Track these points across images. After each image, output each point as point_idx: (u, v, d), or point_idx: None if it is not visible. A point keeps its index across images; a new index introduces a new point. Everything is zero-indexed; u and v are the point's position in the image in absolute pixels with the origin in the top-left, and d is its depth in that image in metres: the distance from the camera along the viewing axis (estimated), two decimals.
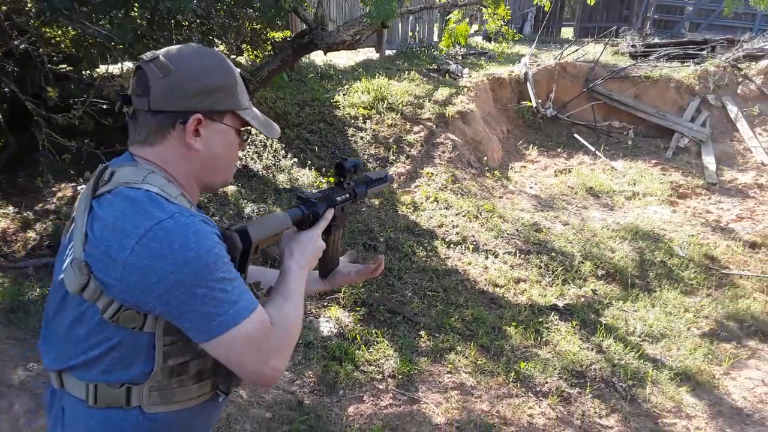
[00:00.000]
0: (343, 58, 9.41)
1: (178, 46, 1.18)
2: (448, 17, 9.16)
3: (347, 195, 1.53)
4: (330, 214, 1.42)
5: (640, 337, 3.85)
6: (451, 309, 4.03)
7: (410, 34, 11.22)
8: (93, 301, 1.06)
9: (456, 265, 4.60)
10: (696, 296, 4.48)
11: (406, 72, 8.48)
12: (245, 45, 6.43)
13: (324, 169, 5.76)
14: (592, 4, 8.50)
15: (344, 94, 7.29)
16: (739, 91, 8.91)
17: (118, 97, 4.13)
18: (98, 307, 1.06)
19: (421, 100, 7.52)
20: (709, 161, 7.75)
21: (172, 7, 3.77)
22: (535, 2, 7.48)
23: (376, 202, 5.44)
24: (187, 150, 1.16)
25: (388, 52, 10.12)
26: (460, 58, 10.53)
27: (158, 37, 4.20)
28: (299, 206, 1.38)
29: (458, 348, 3.57)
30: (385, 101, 7.18)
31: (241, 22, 6.02)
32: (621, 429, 3.04)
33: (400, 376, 3.31)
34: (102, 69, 5.43)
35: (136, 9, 4.13)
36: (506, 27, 7.25)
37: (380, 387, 3.24)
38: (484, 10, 8.38)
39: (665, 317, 4.07)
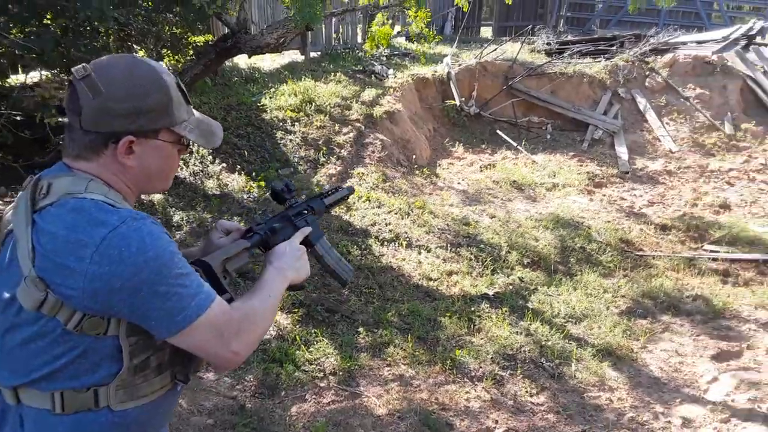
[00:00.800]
0: (267, 61, 9.37)
1: (111, 59, 1.19)
2: (372, 20, 9.31)
3: (304, 210, 1.60)
4: (307, 230, 1.51)
5: (564, 318, 4.10)
6: (387, 304, 4.15)
7: (334, 35, 11.28)
8: (53, 314, 1.08)
9: (390, 262, 4.72)
10: (613, 278, 4.79)
11: (332, 74, 8.55)
12: (165, 50, 6.32)
13: (254, 174, 5.75)
14: (510, 3, 8.87)
15: (271, 97, 7.29)
16: (647, 84, 9.52)
17: (39, 108, 4.00)
18: (59, 319, 1.08)
19: (348, 102, 7.61)
20: (622, 151, 8.24)
21: (92, 15, 3.69)
22: (456, 2, 7.71)
23: None
24: (120, 166, 1.19)
25: (312, 54, 10.15)
26: (384, 59, 10.69)
27: (77, 45, 4.09)
28: (255, 233, 1.45)
29: (396, 341, 3.69)
30: (313, 103, 7.22)
31: (161, 27, 5.93)
32: (551, 405, 3.24)
33: (341, 373, 3.39)
34: (14, 79, 5.21)
35: (51, 18, 4.01)
36: (427, 29, 7.44)
37: (322, 385, 3.31)
38: (407, 11, 8.59)
39: (586, 299, 4.35)
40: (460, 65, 9.58)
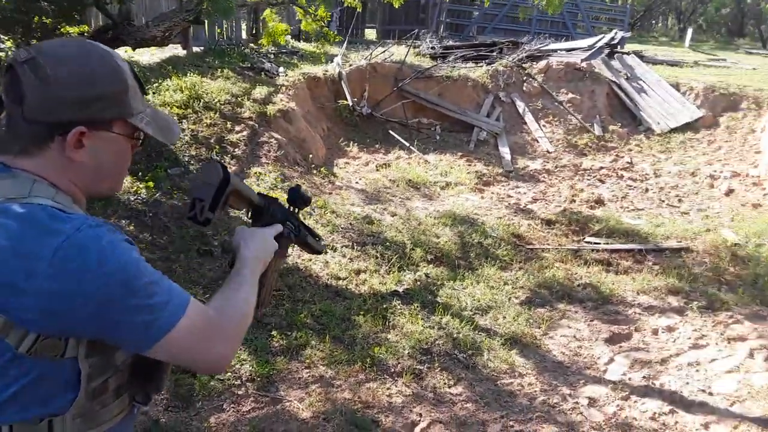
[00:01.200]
0: (146, 55, 8.83)
1: (60, 42, 1.05)
2: (261, 16, 9.09)
3: (294, 225, 1.51)
4: (280, 228, 1.40)
5: (471, 311, 4.24)
6: (299, 306, 4.06)
7: (218, 31, 10.90)
8: (2, 338, 0.93)
9: (297, 263, 4.63)
10: (511, 270, 5.04)
11: (219, 70, 8.23)
12: (36, 41, 5.76)
13: (140, 173, 5.38)
14: (397, 6, 9.04)
15: (154, 93, 6.87)
16: (524, 88, 10.13)
17: None
18: (8, 342, 0.93)
19: (239, 99, 7.36)
20: (505, 151, 8.71)
21: None
22: (346, 3, 7.74)
23: None
24: (69, 162, 1.04)
25: (195, 49, 9.71)
26: (272, 56, 10.50)
27: None
28: (264, 198, 1.37)
29: (312, 343, 3.62)
30: (201, 100, 6.90)
31: (31, 15, 5.38)
32: (468, 395, 3.34)
33: (258, 379, 3.26)
34: None
35: None
36: (327, 29, 7.40)
37: (240, 392, 3.17)
38: (296, 9, 8.49)
39: (489, 291, 4.53)
40: (350, 66, 9.63)
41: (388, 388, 3.32)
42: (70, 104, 1.00)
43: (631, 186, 7.88)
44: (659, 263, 5.32)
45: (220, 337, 1.07)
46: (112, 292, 0.94)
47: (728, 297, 4.55)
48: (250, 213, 1.41)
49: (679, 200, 7.41)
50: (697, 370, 3.64)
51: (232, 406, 3.06)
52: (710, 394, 3.40)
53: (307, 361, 3.47)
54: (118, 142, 1.09)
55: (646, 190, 7.76)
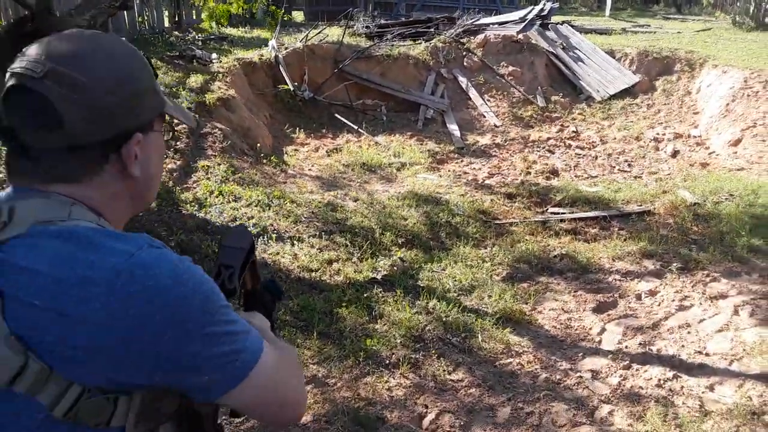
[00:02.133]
0: None
1: (62, 39, 0.81)
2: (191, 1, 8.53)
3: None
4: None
5: (456, 292, 4.08)
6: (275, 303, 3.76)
7: (139, 20, 10.21)
8: (33, 393, 0.69)
9: (264, 258, 4.32)
10: (485, 247, 4.91)
11: (146, 60, 7.67)
12: None
13: None
14: None
15: None
16: (465, 64, 10.03)
17: None
18: (42, 402, 0.69)
19: (174, 89, 6.88)
20: (454, 128, 8.59)
21: None
22: None
23: (153, 204, 4.82)
24: (122, 182, 0.85)
25: None
26: (200, 43, 9.94)
27: None
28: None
29: (298, 341, 3.36)
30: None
31: None
32: (470, 379, 3.18)
33: None
34: None
35: None
36: (273, 6, 6.99)
37: None
38: None
39: (469, 270, 4.38)
40: (287, 49, 9.22)
41: (386, 381, 3.11)
42: (119, 110, 0.81)
43: (580, 154, 7.93)
44: (625, 228, 5.33)
45: (297, 373, 0.91)
46: (190, 320, 0.73)
47: (701, 256, 4.59)
48: (241, 295, 1.20)
49: (629, 165, 7.52)
50: (689, 332, 3.62)
51: (224, 418, 2.76)
52: (707, 354, 3.38)
53: None
54: (159, 139, 0.93)
55: (596, 157, 7.84)
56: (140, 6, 10.11)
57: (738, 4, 16.08)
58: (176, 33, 10.55)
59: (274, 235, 4.59)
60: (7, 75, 0.79)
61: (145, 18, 10.37)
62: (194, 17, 11.85)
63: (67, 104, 0.76)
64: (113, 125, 0.81)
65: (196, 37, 10.45)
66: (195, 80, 7.30)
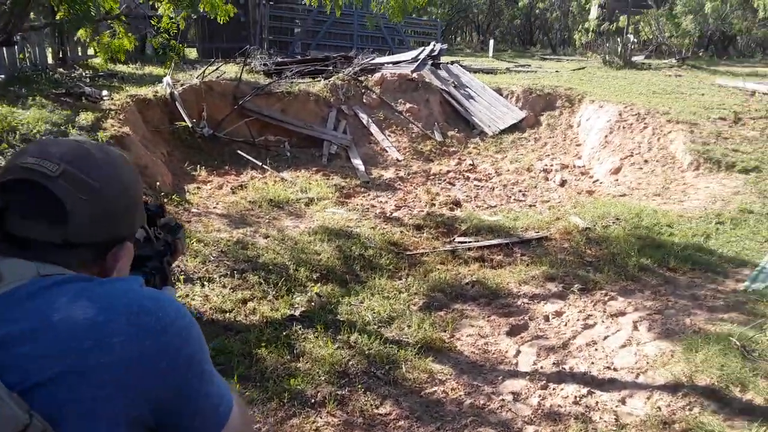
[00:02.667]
0: None
1: (70, 144, 0.87)
2: (77, 36, 8.10)
3: (163, 247, 1.24)
4: (169, 267, 1.21)
5: (376, 324, 4.08)
6: None
7: (20, 56, 9.55)
8: None
9: None
10: (400, 278, 4.97)
11: (30, 98, 7.21)
12: None
13: None
14: (222, 23, 8.59)
15: None
16: (364, 101, 10.26)
17: None
18: None
19: (62, 128, 6.48)
20: (358, 163, 8.71)
21: None
22: (162, 25, 7.11)
23: None
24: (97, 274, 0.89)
25: None
26: (88, 80, 9.45)
27: None
28: (139, 268, 1.09)
29: None
30: (17, 132, 5.97)
31: None
32: (398, 412, 3.17)
33: None
34: None
35: None
36: (174, 41, 6.78)
37: None
38: (116, 26, 7.71)
39: (387, 302, 4.41)
40: (183, 85, 8.98)
41: (314, 422, 3.03)
42: (121, 218, 0.88)
43: (478, 186, 8.30)
44: (527, 253, 5.61)
45: (251, 419, 0.93)
46: (194, 352, 0.79)
47: (598, 277, 4.92)
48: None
49: (523, 194, 7.96)
50: (596, 349, 3.84)
51: None
52: (615, 369, 3.60)
53: None
54: (132, 248, 0.95)
55: (493, 188, 8.24)
56: (21, 42, 9.47)
57: (608, 45, 17.72)
58: (61, 70, 9.97)
59: (182, 277, 4.39)
60: (9, 166, 0.81)
61: (27, 54, 9.72)
62: (80, 53, 11.28)
63: (77, 205, 0.80)
64: (112, 230, 0.86)
65: (83, 73, 9.94)
66: (85, 118, 6.92)
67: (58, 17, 7.61)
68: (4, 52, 8.68)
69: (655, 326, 4.02)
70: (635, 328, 4.04)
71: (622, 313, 4.28)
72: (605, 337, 3.97)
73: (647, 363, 3.59)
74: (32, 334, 0.71)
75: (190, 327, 0.80)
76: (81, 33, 8.23)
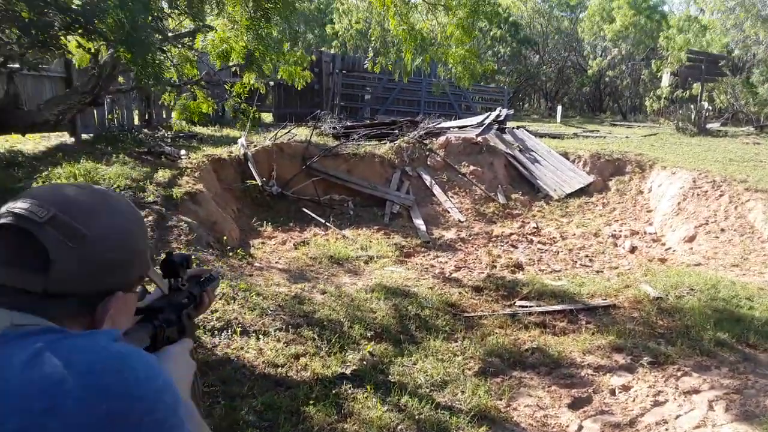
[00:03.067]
0: (29, 144, 8.12)
1: (67, 187, 0.82)
2: (161, 101, 8.71)
3: (186, 299, 1.21)
4: (190, 342, 1.13)
5: (428, 388, 3.95)
6: (237, 402, 3.57)
7: (108, 117, 10.32)
8: None
9: (227, 353, 4.14)
10: (456, 341, 4.83)
11: (114, 155, 7.70)
12: None
13: None
14: (299, 88, 9.01)
15: (44, 181, 6.22)
16: (428, 163, 10.35)
17: None
18: None
19: (141, 183, 6.86)
20: (420, 223, 8.71)
21: None
22: (236, 90, 7.54)
23: None
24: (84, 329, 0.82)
25: (84, 136, 9.09)
26: (169, 140, 10.05)
27: None
28: (147, 319, 1.05)
29: None
30: (100, 186, 6.34)
31: None
32: None
33: None
34: None
35: None
36: (246, 104, 7.18)
37: None
38: (197, 92, 8.22)
39: (441, 365, 4.28)
40: (255, 147, 9.39)
41: None
42: (112, 269, 0.80)
43: (542, 249, 8.09)
44: (593, 321, 5.35)
45: None
46: (163, 418, 0.69)
47: (670, 350, 4.61)
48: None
49: (590, 260, 7.68)
50: (666, 429, 3.55)
51: None
52: None
53: None
54: (133, 300, 0.91)
55: (557, 252, 8.00)
56: (110, 104, 10.25)
57: (680, 111, 17.31)
58: (146, 131, 10.67)
59: (238, 329, 4.43)
60: (2, 211, 0.78)
61: (115, 116, 10.49)
62: (164, 116, 12.05)
63: (62, 253, 0.74)
64: (101, 282, 0.79)
65: (166, 134, 10.59)
66: (162, 175, 7.30)
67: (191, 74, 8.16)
68: (95, 112, 9.39)
69: (733, 407, 3.68)
70: (711, 407, 3.71)
71: (697, 391, 3.96)
72: (677, 416, 3.67)
73: None
74: None
75: (162, 391, 0.70)
76: (165, 97, 8.85)
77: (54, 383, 0.64)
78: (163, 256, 1.17)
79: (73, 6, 3.65)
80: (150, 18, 3.97)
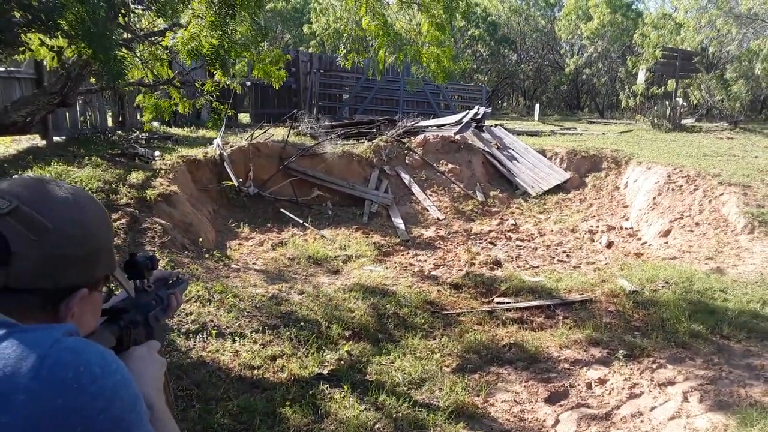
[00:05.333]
0: None
1: (34, 180, 0.80)
2: (136, 102, 8.58)
3: (153, 301, 1.18)
4: (157, 344, 1.10)
5: (405, 386, 3.93)
6: (212, 405, 3.51)
7: (81, 119, 10.15)
8: None
9: (202, 356, 4.08)
10: (434, 338, 4.82)
11: (86, 158, 7.57)
12: None
13: None
14: (277, 87, 8.95)
15: None
16: (407, 161, 10.35)
17: None
18: None
19: (113, 186, 6.75)
20: (398, 222, 8.70)
21: None
22: (206, 89, 7.45)
23: None
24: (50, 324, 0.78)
25: (57, 139, 8.92)
26: (144, 142, 9.91)
27: None
28: (112, 321, 1.01)
29: None
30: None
31: None
32: None
33: None
34: None
35: None
36: (218, 103, 7.10)
37: None
38: (171, 91, 8.12)
39: (419, 362, 4.26)
40: (232, 147, 9.30)
41: None
42: (75, 264, 0.78)
43: (520, 246, 8.13)
44: (569, 316, 5.38)
45: None
46: (119, 415, 0.67)
47: (645, 343, 4.64)
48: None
49: (567, 256, 7.73)
50: (642, 421, 3.58)
51: None
52: None
53: None
54: (99, 300, 0.89)
55: (535, 248, 8.04)
56: (83, 106, 10.08)
57: (656, 108, 17.54)
58: (120, 132, 10.51)
59: (214, 331, 4.37)
60: None
61: (88, 117, 10.32)
62: (138, 118, 11.88)
63: (23, 245, 0.72)
64: (64, 277, 0.77)
65: (140, 136, 10.44)
66: (136, 176, 7.19)
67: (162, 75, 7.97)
68: (66, 114, 9.22)
69: (707, 397, 3.72)
70: (685, 399, 3.75)
71: (672, 383, 4.00)
72: (652, 408, 3.70)
73: None
74: None
75: (119, 386, 0.68)
76: (139, 98, 8.73)
77: (5, 378, 0.62)
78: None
79: (33, 3, 3.57)
80: (113, 13, 3.89)
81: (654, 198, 9.03)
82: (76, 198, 0.81)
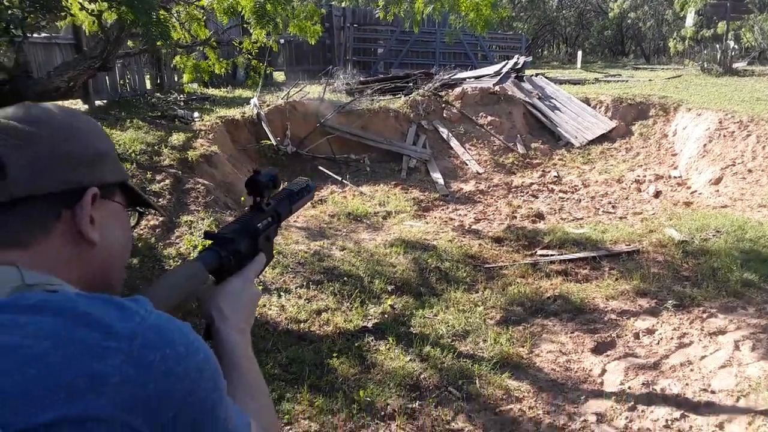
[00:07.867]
0: None
1: (23, 107, 0.74)
2: (172, 63, 8.63)
3: (269, 218, 1.13)
4: (263, 256, 1.05)
5: (449, 338, 3.95)
6: (262, 357, 3.61)
7: (120, 82, 10.27)
8: None
9: None
10: (477, 291, 4.81)
11: (128, 120, 7.68)
12: None
13: None
14: (313, 43, 8.83)
15: None
16: (444, 115, 10.17)
17: None
18: None
19: (156, 147, 6.85)
20: (437, 177, 8.62)
21: None
22: (244, 47, 7.39)
23: (135, 260, 4.69)
24: (77, 247, 0.73)
25: (98, 103, 9.07)
26: (182, 103, 10.00)
27: None
28: (212, 249, 0.97)
29: (288, 395, 3.19)
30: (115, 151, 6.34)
31: None
32: (471, 428, 3.02)
33: None
34: None
35: None
36: (256, 61, 7.06)
37: None
38: (208, 52, 8.11)
39: (462, 315, 4.26)
40: (268, 106, 9.30)
41: None
42: (73, 161, 0.72)
43: (563, 198, 7.97)
44: (616, 267, 5.28)
45: None
46: (206, 396, 0.64)
47: (695, 292, 4.53)
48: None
49: (613, 206, 7.55)
50: (692, 370, 3.51)
51: None
52: (713, 392, 3.27)
53: (287, 417, 3.03)
54: (123, 215, 0.82)
55: (579, 200, 7.87)
56: (122, 69, 10.19)
57: (705, 52, 16.70)
58: (158, 95, 10.61)
59: (260, 287, 4.45)
60: None
61: (127, 81, 10.44)
62: (176, 80, 11.96)
63: (11, 151, 0.67)
64: (64, 175, 0.71)
65: (179, 98, 10.53)
66: (177, 138, 7.28)
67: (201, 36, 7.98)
68: (106, 77, 9.34)
69: (759, 346, 3.62)
70: (737, 347, 3.66)
71: (722, 332, 3.90)
72: (702, 357, 3.62)
73: (749, 386, 3.23)
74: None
75: (204, 365, 0.64)
76: (176, 59, 8.76)
77: (92, 357, 0.57)
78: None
79: None
80: None
81: (704, 145, 8.68)
82: (60, 108, 0.77)
